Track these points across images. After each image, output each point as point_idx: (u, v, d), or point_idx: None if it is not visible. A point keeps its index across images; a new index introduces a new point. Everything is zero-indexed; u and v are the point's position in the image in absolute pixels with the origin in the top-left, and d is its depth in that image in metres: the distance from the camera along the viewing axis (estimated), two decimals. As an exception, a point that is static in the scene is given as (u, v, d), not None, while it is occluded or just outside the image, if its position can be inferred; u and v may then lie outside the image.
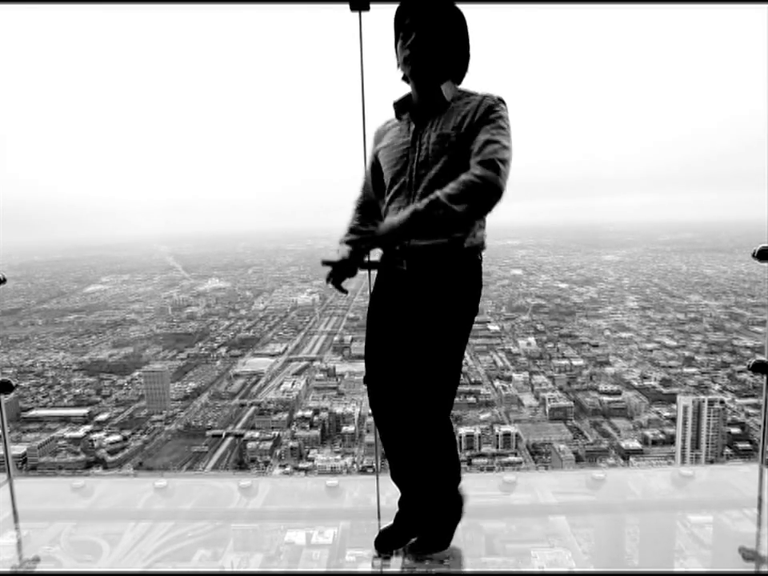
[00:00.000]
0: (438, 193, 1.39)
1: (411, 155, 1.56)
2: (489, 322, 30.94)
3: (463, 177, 1.40)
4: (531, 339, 28.87)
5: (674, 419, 21.73)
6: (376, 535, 1.82)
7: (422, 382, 1.59)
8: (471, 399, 24.31)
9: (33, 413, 23.65)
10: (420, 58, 1.52)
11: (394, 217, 1.45)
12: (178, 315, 31.84)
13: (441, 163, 1.51)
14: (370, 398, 1.75)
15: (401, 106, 1.64)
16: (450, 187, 1.39)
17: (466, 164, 1.48)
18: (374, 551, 1.81)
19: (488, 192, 1.39)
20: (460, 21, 1.57)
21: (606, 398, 23.84)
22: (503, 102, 1.52)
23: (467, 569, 1.76)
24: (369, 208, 1.79)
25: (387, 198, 1.64)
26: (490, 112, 1.49)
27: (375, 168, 1.72)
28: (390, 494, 2.10)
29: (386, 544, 1.80)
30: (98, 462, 21.15)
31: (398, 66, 1.61)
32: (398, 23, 1.57)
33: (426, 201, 1.40)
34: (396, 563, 1.78)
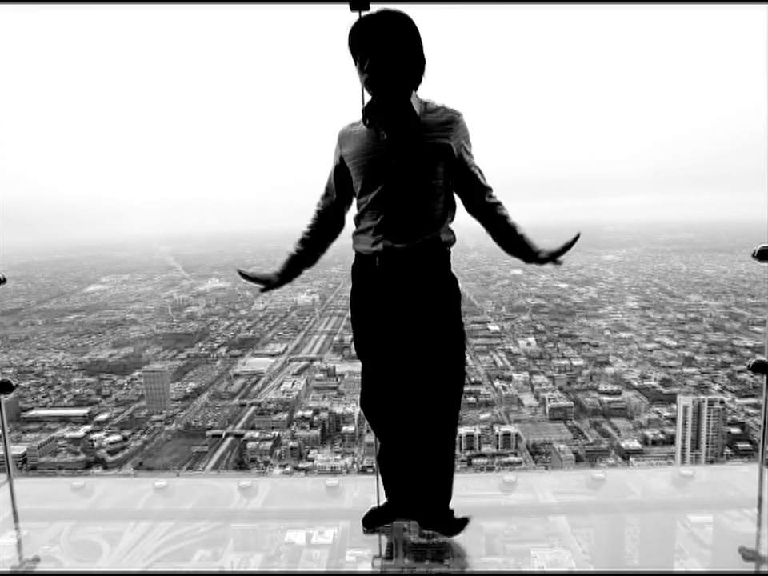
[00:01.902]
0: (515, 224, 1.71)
1: (387, 165, 1.64)
2: (489, 321, 30.93)
3: (506, 214, 1.72)
4: (531, 339, 28.87)
5: (674, 419, 21.72)
6: (365, 513, 1.92)
7: (431, 376, 1.75)
8: (471, 399, 24.30)
9: (33, 413, 23.63)
10: (379, 81, 1.57)
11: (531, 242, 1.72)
12: (178, 315, 31.83)
13: (418, 174, 1.63)
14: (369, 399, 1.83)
15: (368, 112, 1.66)
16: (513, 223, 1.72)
17: (438, 172, 1.65)
18: (373, 551, 1.81)
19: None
20: (412, 32, 1.58)
21: (606, 398, 23.82)
22: (463, 117, 1.69)
23: (467, 569, 1.76)
24: (329, 214, 1.84)
25: (361, 204, 1.72)
26: (462, 132, 1.67)
27: (340, 170, 1.77)
28: (390, 493, 2.09)
29: (373, 521, 1.91)
30: (98, 461, 21.14)
31: (360, 79, 1.65)
32: (352, 45, 1.59)
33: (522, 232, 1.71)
34: (396, 563, 1.78)
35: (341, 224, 1.86)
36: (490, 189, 1.72)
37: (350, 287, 1.81)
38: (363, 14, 1.59)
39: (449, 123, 1.64)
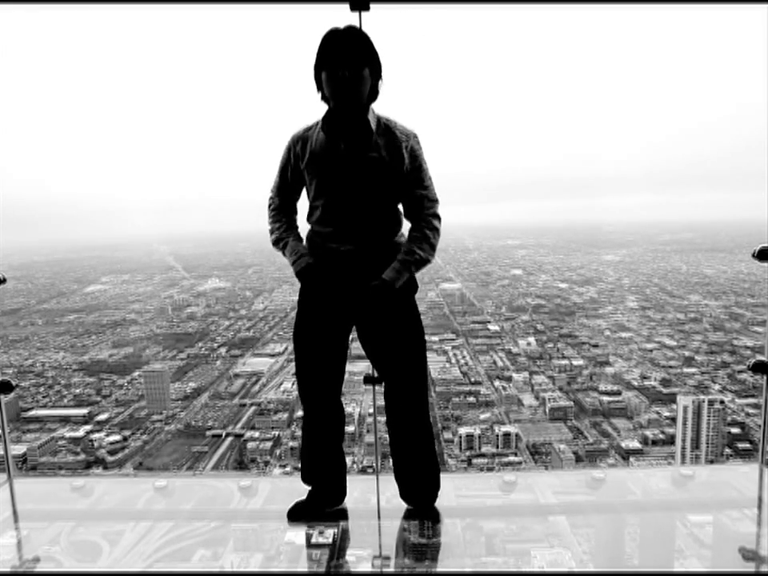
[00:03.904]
0: (415, 248, 1.80)
1: (342, 173, 1.76)
2: (489, 321, 30.93)
3: (422, 233, 1.81)
4: (531, 339, 28.86)
5: (674, 419, 21.72)
6: (290, 507, 2.01)
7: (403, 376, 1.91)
8: (471, 399, 24.30)
9: (33, 413, 23.63)
10: (348, 93, 1.69)
11: (395, 270, 1.78)
12: (177, 315, 31.82)
13: (370, 183, 1.76)
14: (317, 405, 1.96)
15: (329, 121, 1.78)
16: (419, 241, 1.81)
17: (388, 188, 1.78)
18: (373, 551, 1.81)
19: (436, 242, 1.84)
20: (374, 50, 1.72)
21: (606, 398, 23.82)
22: (418, 138, 1.82)
23: (467, 569, 1.76)
24: (285, 213, 1.97)
25: (314, 207, 1.85)
26: (415, 156, 1.79)
27: (294, 171, 1.88)
28: (390, 493, 2.09)
29: (298, 515, 2.01)
30: (98, 462, 21.14)
31: (318, 89, 1.76)
32: (323, 55, 1.69)
33: (411, 257, 1.79)
34: (396, 563, 1.78)
35: (295, 211, 2.01)
36: (436, 201, 1.84)
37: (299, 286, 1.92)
38: (333, 27, 1.69)
39: (401, 142, 1.76)
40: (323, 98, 1.77)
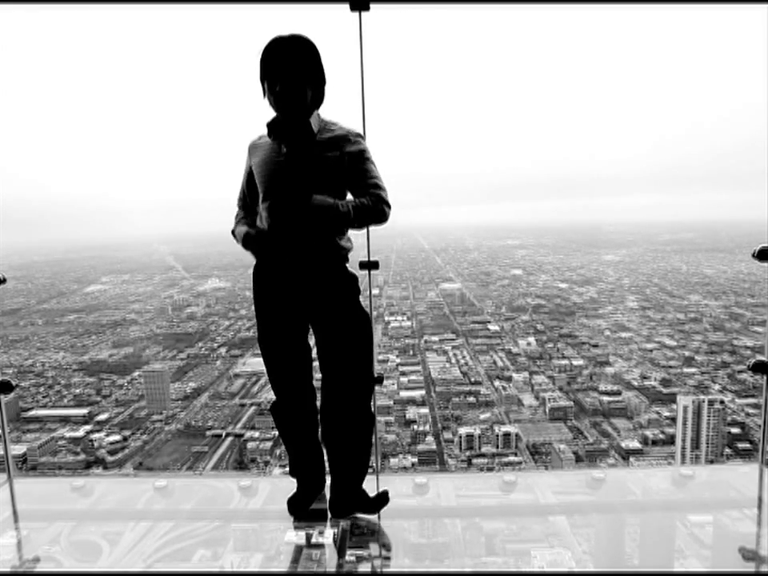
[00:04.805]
0: (350, 206, 1.75)
1: (285, 176, 1.79)
2: (489, 321, 30.94)
3: (366, 201, 1.77)
4: (531, 339, 28.86)
5: (674, 419, 21.72)
6: (288, 502, 2.05)
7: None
8: (471, 399, 24.30)
9: (33, 413, 23.63)
10: (286, 102, 1.73)
11: (326, 199, 1.75)
12: (177, 315, 31.82)
13: (312, 185, 1.77)
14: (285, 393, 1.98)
15: (272, 128, 1.81)
16: (360, 203, 1.76)
17: (333, 186, 1.80)
18: (373, 551, 1.81)
19: (378, 220, 1.80)
20: (317, 57, 1.75)
21: (606, 398, 23.83)
22: (361, 137, 1.84)
23: (467, 569, 1.76)
24: (249, 215, 2.01)
25: (263, 210, 1.87)
26: (359, 152, 1.80)
27: (251, 178, 1.93)
28: (391, 494, 2.09)
29: (297, 509, 2.05)
30: (98, 462, 21.14)
31: (264, 95, 1.79)
32: (263, 68, 1.73)
33: (343, 206, 1.75)
34: (396, 563, 1.78)
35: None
36: (385, 190, 1.81)
37: (252, 286, 1.94)
38: (273, 37, 1.71)
39: (342, 140, 1.79)
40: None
